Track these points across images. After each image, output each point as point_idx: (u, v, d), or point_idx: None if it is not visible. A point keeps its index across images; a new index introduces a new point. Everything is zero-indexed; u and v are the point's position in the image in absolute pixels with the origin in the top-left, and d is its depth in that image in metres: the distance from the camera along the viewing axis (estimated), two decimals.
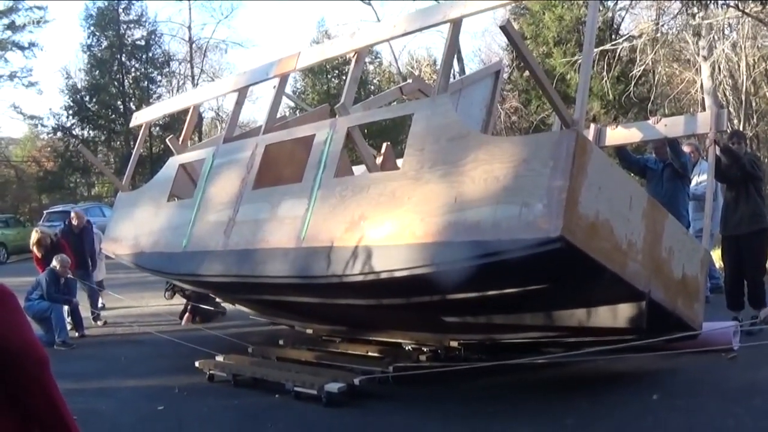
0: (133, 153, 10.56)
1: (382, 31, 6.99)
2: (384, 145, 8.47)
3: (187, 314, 10.15)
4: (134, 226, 8.73)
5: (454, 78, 15.15)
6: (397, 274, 5.28)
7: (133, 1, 39.87)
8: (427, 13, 6.70)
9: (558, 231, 4.42)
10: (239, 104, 8.87)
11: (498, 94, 8.63)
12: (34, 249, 10.56)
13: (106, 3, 39.01)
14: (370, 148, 8.49)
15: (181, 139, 9.22)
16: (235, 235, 6.79)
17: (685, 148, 9.52)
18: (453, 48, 6.22)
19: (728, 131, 8.35)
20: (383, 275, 5.36)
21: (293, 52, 7.52)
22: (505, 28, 4.59)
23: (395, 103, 9.42)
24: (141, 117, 10.56)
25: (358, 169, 7.94)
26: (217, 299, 10.18)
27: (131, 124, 11.46)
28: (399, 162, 7.23)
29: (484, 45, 40.05)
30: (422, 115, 5.70)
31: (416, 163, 5.46)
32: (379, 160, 8.02)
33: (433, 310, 6.19)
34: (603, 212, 4.81)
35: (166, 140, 9.99)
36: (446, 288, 5.33)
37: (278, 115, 8.90)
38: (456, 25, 5.90)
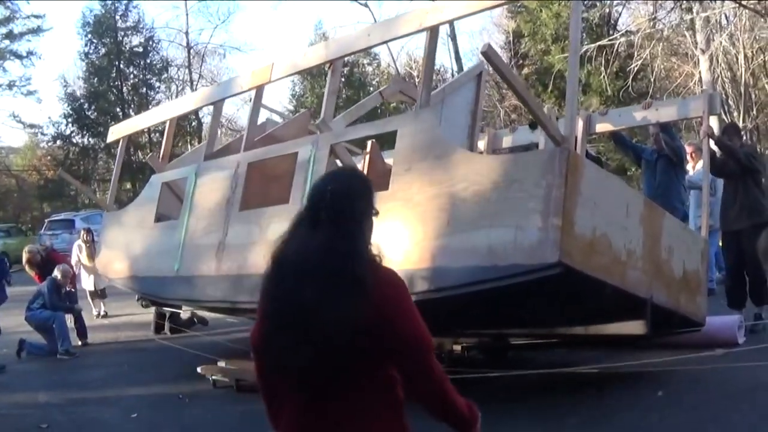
0: (114, 169, 10.14)
1: (356, 41, 6.75)
2: (369, 143, 7.67)
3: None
4: (124, 248, 8.60)
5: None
6: None
7: (130, 8, 39.79)
8: (402, 20, 6.40)
9: (556, 257, 4.32)
10: (216, 118, 8.70)
11: (482, 97, 8.29)
12: (27, 268, 10.46)
13: (103, 10, 38.86)
14: (356, 150, 8.19)
15: (161, 155, 9.00)
16: (227, 260, 6.68)
17: (688, 148, 9.41)
18: (432, 58, 6.04)
19: (725, 123, 8.23)
20: None
21: (267, 62, 7.33)
22: (486, 54, 4.49)
23: (379, 105, 9.06)
24: (118, 131, 10.18)
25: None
26: None
27: (108, 140, 11.07)
28: (385, 155, 7.06)
29: (482, 44, 39.63)
30: (406, 131, 5.54)
31: (405, 183, 5.32)
32: (365, 159, 7.73)
33: (434, 327, 6.10)
34: (600, 227, 4.70)
35: (146, 159, 9.80)
36: (445, 313, 5.22)
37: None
38: (433, 32, 5.73)
